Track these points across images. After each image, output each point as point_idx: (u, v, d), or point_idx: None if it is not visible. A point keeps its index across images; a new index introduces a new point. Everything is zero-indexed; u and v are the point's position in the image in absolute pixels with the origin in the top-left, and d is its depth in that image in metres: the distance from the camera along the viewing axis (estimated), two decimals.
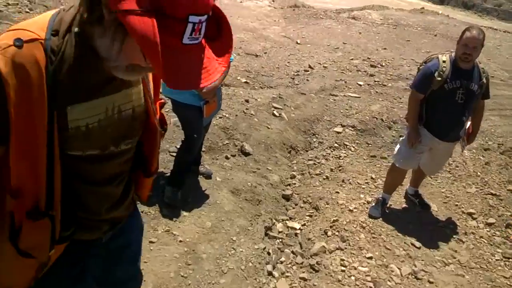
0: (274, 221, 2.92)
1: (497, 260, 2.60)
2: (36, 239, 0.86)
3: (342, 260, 2.50)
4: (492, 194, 3.29)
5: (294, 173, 3.56)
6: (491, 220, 2.97)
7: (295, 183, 3.41)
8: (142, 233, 1.30)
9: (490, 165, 3.81)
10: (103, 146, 0.90)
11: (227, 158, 3.65)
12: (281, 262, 2.53)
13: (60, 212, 0.87)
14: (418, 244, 2.69)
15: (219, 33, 0.79)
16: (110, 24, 0.70)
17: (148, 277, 2.27)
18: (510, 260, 2.57)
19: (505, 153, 4.11)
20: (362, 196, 3.20)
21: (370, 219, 2.90)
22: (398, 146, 2.96)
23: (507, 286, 2.37)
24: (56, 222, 0.87)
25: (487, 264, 2.55)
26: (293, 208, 3.09)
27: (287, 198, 3.21)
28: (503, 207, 3.12)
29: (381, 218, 2.92)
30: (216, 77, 0.75)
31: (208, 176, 3.21)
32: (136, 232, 1.26)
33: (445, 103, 2.62)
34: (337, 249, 2.60)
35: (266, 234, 2.78)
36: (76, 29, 0.77)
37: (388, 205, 3.06)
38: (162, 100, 1.15)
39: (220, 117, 3.96)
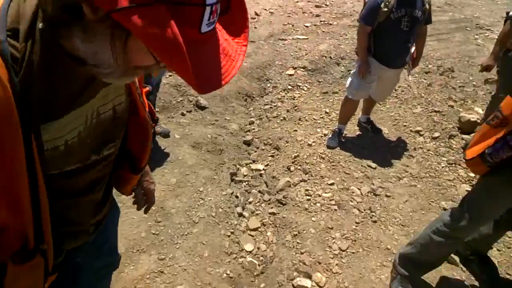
0: (238, 166, 2.90)
1: (442, 167, 2.79)
2: (26, 282, 0.72)
3: (307, 190, 2.56)
4: (435, 111, 3.47)
5: (252, 119, 3.51)
6: (436, 134, 3.15)
7: (254, 129, 3.38)
8: (118, 219, 1.21)
9: (432, 86, 3.98)
10: (83, 159, 0.75)
11: (183, 114, 3.50)
12: (250, 203, 2.55)
13: (52, 242, 0.71)
14: (374, 165, 2.81)
15: (228, 3, 0.59)
16: (97, 25, 0.50)
17: (119, 242, 2.20)
18: (453, 165, 2.78)
19: (444, 74, 4.30)
20: (318, 130, 3.24)
21: (329, 150, 2.97)
22: (349, 79, 2.98)
23: (452, 187, 2.58)
24: (49, 256, 0.72)
25: (435, 172, 2.74)
26: (255, 151, 3.08)
27: (248, 143, 3.18)
28: (446, 121, 3.32)
29: (338, 147, 2.99)
30: (240, 61, 0.59)
31: (166, 135, 3.09)
32: (114, 222, 1.16)
33: (391, 32, 2.65)
34: (301, 181, 2.65)
35: (232, 180, 2.77)
36: (40, 25, 0.56)
37: (343, 135, 3.13)
38: (147, 88, 0.99)
39: (170, 75, 3.74)
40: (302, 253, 2.13)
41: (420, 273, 1.92)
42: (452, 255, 2.03)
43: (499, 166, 1.50)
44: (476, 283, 1.98)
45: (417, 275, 1.91)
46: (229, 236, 2.32)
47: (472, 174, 2.63)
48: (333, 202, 2.46)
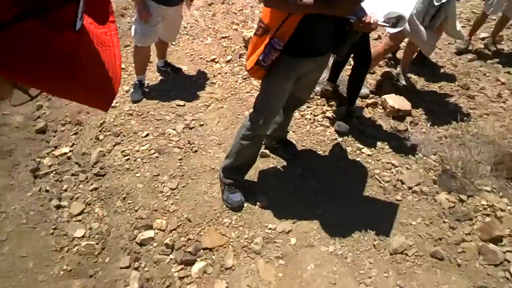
0: (38, 160, 2.57)
1: (240, 83, 3.19)
2: None
3: (123, 151, 2.53)
4: (223, 37, 3.83)
5: (39, 103, 3.09)
6: (228, 58, 3.51)
7: (45, 112, 2.99)
8: None
9: (216, 15, 4.32)
10: None
11: None
12: (66, 190, 2.36)
13: None
14: (182, 102, 2.97)
15: None
16: None
17: None
18: (247, 79, 3.21)
19: (225, 2, 4.72)
20: (119, 89, 3.14)
21: (135, 104, 2.94)
22: (133, 27, 2.91)
23: (250, 97, 3.00)
24: None
25: (235, 90, 3.12)
26: (54, 136, 2.77)
27: (42, 131, 2.82)
28: (234, 44, 3.72)
29: (144, 99, 3.00)
30: (117, 46, 0.50)
31: None
32: None
33: None
34: (115, 145, 2.59)
35: (35, 177, 2.46)
36: None
37: (146, 85, 3.14)
38: None
39: None
40: (136, 211, 2.17)
41: (242, 175, 2.25)
42: (262, 150, 2.44)
43: (272, 67, 1.82)
44: (285, 163, 2.47)
45: (240, 178, 2.24)
46: (52, 233, 2.13)
47: None
48: (152, 151, 2.52)
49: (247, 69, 1.90)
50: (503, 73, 3.51)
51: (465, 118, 2.87)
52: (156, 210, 2.16)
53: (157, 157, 2.48)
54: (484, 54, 3.78)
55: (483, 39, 3.95)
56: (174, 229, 2.06)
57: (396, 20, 2.01)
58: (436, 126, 2.84)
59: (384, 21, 1.95)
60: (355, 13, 1.75)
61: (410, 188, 2.34)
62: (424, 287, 1.87)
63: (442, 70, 3.53)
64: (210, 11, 4.48)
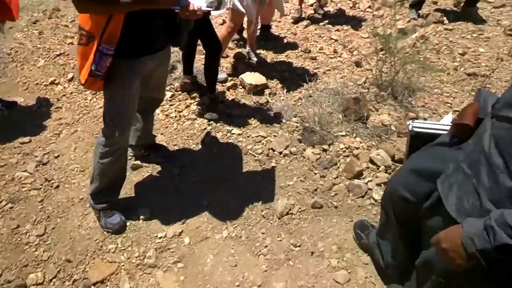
0: None
1: (90, 100, 3.01)
2: None
3: None
4: (58, 55, 3.56)
5: None
6: (70, 76, 3.29)
7: None
8: None
9: (44, 33, 3.98)
10: None
11: None
12: None
13: None
14: (27, 139, 2.67)
15: None
16: None
17: None
18: (97, 94, 3.07)
19: (53, 17, 4.35)
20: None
21: None
22: None
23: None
24: None
25: (86, 108, 2.94)
26: None
27: None
28: (72, 59, 3.48)
29: None
30: None
31: None
32: None
33: None
34: None
35: None
36: None
37: None
38: None
39: None
40: (1, 275, 1.93)
41: (115, 195, 2.18)
42: (133, 162, 2.41)
43: (110, 74, 1.73)
44: (160, 168, 2.49)
45: (113, 199, 2.16)
46: None
47: None
48: (4, 203, 2.25)
49: (82, 83, 1.79)
50: (334, 32, 4.12)
51: (313, 78, 3.30)
52: (26, 265, 1.95)
53: (11, 207, 2.22)
54: (315, 18, 4.36)
55: (311, 5, 4.53)
56: (54, 277, 1.90)
57: (217, 3, 2.17)
58: (291, 92, 3.20)
59: (207, 6, 2.07)
60: (178, 3, 1.81)
61: (280, 153, 2.61)
62: (314, 237, 2.11)
63: (285, 40, 3.95)
64: (36, 29, 4.08)
